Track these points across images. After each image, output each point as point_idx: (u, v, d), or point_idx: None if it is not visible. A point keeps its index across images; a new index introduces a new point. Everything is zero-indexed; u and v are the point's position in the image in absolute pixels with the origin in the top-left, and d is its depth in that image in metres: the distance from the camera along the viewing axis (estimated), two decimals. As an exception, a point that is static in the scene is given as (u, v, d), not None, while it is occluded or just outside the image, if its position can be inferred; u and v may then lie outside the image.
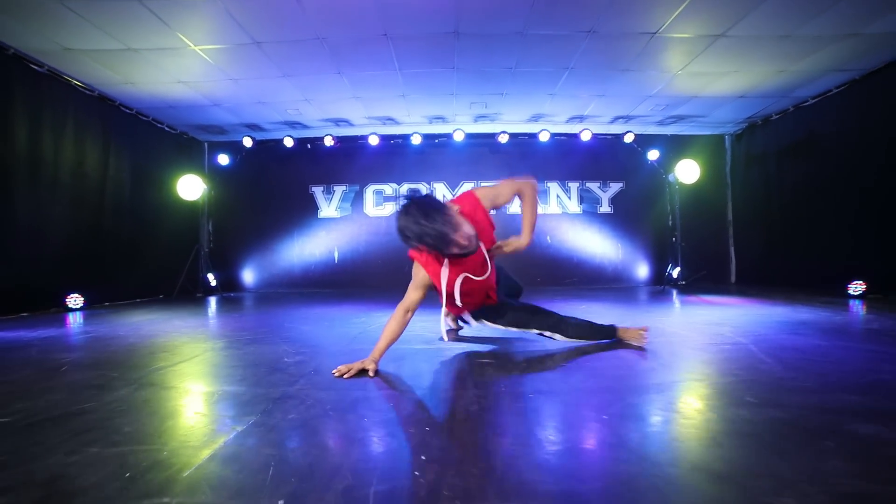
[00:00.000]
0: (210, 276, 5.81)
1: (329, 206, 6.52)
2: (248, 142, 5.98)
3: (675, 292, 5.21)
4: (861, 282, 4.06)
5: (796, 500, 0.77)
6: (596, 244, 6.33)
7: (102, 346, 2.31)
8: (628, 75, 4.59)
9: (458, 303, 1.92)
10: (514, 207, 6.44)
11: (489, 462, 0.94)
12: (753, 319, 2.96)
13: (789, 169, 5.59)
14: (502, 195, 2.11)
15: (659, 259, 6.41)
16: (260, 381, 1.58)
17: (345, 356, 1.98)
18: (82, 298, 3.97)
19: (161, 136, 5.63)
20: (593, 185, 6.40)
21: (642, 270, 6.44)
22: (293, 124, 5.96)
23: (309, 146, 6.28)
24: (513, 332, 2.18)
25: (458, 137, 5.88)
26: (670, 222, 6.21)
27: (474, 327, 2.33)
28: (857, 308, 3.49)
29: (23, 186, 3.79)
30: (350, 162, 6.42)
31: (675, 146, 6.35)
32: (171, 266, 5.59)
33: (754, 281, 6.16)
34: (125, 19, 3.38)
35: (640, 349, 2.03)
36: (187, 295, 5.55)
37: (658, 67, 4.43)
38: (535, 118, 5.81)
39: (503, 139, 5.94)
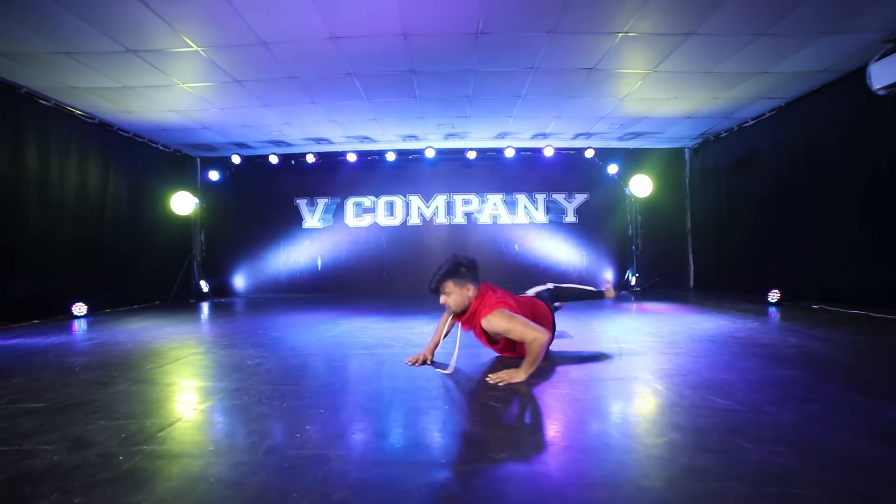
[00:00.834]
0: (203, 283, 6.31)
1: (312, 217, 7.02)
2: (236, 159, 6.49)
3: (633, 298, 5.72)
4: (777, 290, 4.55)
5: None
6: (561, 252, 6.83)
7: (105, 351, 2.81)
8: (578, 101, 5.08)
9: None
10: (485, 218, 6.94)
11: (344, 430, 1.45)
12: (665, 328, 3.46)
13: (735, 183, 6.09)
14: (512, 332, 2.09)
15: (621, 266, 6.91)
16: (223, 378, 2.09)
17: (295, 359, 2.48)
18: (86, 306, 4.47)
19: (156, 155, 6.13)
20: (559, 197, 6.89)
21: (607, 276, 6.94)
22: (278, 143, 6.45)
23: (293, 162, 6.78)
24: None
25: (430, 154, 6.38)
26: (630, 231, 6.70)
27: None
28: (765, 316, 3.99)
29: (33, 207, 4.30)
30: (331, 176, 6.92)
31: (639, 159, 6.83)
32: (167, 274, 6.10)
33: (710, 286, 6.66)
34: (122, 66, 3.88)
35: None
36: (181, 301, 6.06)
37: (604, 94, 4.91)
38: (501, 136, 6.30)
39: (471, 155, 6.44)
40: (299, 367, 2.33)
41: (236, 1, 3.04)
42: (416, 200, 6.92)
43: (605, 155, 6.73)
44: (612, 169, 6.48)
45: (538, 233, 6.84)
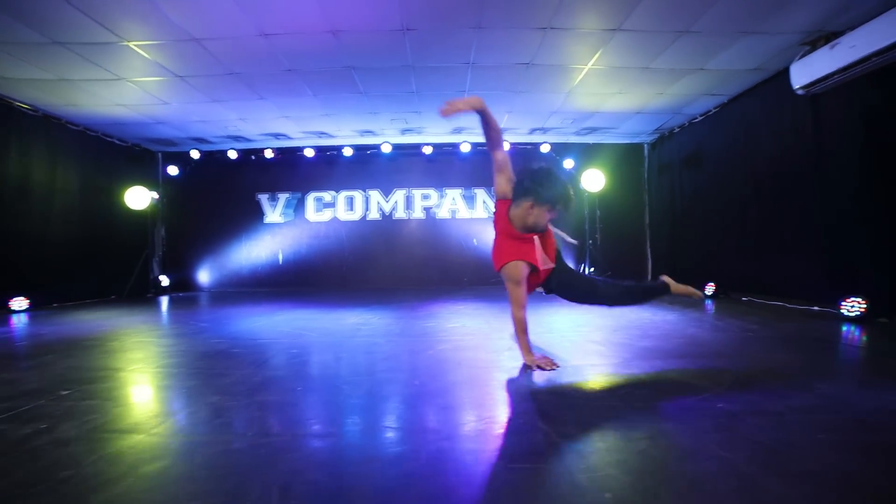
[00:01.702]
0: (163, 278, 6.32)
1: (274, 212, 7.04)
2: (195, 154, 6.49)
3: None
4: (713, 283, 4.66)
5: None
6: (518, 246, 6.90)
7: (29, 340, 2.85)
8: (525, 95, 5.12)
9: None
10: (444, 213, 7.00)
11: (264, 417, 1.51)
12: (581, 319, 3.57)
13: (686, 178, 6.18)
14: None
15: (579, 260, 7.00)
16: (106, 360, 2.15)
17: (205, 354, 2.54)
18: (28, 301, 4.48)
19: (112, 149, 6.10)
20: (517, 192, 6.95)
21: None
22: (237, 138, 6.45)
23: (253, 157, 6.79)
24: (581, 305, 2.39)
25: (386, 149, 6.41)
26: (586, 226, 6.78)
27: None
28: (694, 308, 4.10)
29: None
30: (292, 171, 6.94)
31: (598, 154, 6.89)
32: (124, 269, 6.09)
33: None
34: (52, 58, 3.86)
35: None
36: (138, 296, 6.06)
37: (549, 89, 4.96)
38: (458, 131, 6.34)
39: (427, 150, 6.49)
40: (192, 352, 2.39)
41: (152, -4, 3.05)
42: (375, 195, 6.96)
43: (564, 150, 6.79)
44: (568, 164, 6.55)
45: (496, 227, 6.90)
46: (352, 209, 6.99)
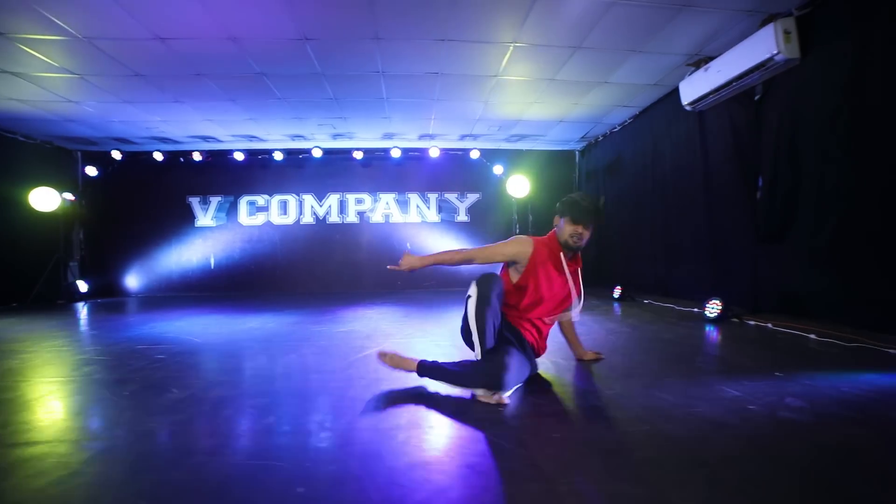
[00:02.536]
0: (80, 283, 6.09)
1: (206, 215, 6.90)
2: (117, 154, 6.30)
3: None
4: (620, 286, 4.91)
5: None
6: (452, 250, 7.02)
7: None
8: (444, 103, 5.24)
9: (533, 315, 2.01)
10: (378, 217, 7.04)
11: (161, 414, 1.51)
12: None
13: (608, 184, 6.46)
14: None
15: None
16: None
17: (78, 363, 2.50)
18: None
19: (15, 147, 5.74)
20: (451, 196, 7.09)
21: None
22: (164, 139, 6.29)
23: (182, 160, 6.64)
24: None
25: (317, 154, 6.42)
26: (516, 230, 6.98)
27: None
28: (595, 311, 4.31)
29: None
30: (225, 175, 6.83)
31: (532, 161, 7.09)
32: (30, 275, 5.80)
33: (594, 284, 7.03)
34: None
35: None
36: (46, 303, 5.78)
37: (465, 98, 5.09)
38: (388, 136, 6.41)
39: (358, 155, 6.53)
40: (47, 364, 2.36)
41: (25, -3, 2.98)
42: (309, 199, 6.94)
43: (498, 156, 6.97)
44: (498, 169, 6.73)
45: (430, 231, 7.01)
46: (285, 213, 6.94)
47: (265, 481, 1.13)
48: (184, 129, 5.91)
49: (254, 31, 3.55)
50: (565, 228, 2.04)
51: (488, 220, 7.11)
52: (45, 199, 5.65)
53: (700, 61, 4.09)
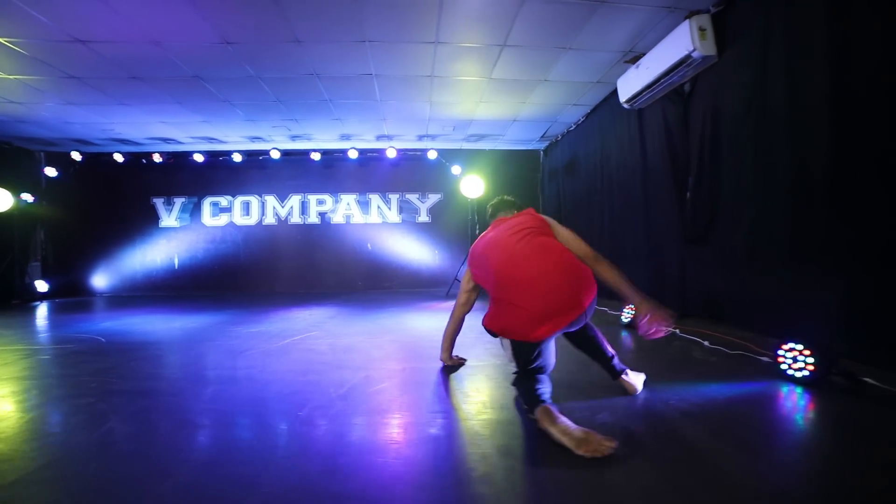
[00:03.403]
0: (39, 283, 6.17)
1: (170, 216, 6.96)
2: (76, 156, 6.37)
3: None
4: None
5: None
6: (414, 251, 7.00)
7: None
8: (388, 104, 5.21)
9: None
10: (339, 218, 7.04)
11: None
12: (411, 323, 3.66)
13: (566, 184, 6.39)
14: (569, 241, 1.93)
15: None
16: None
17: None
18: None
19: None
20: (412, 197, 7.06)
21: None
22: (124, 141, 6.34)
23: (144, 161, 6.69)
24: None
25: (275, 155, 6.44)
26: (477, 231, 6.93)
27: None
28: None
29: None
30: (188, 176, 6.87)
31: (496, 161, 7.05)
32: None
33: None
34: None
35: None
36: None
37: (408, 98, 5.03)
38: (346, 137, 6.39)
39: (315, 157, 6.54)
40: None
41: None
42: (271, 200, 6.96)
43: (459, 156, 6.92)
44: (456, 170, 6.69)
45: (391, 232, 6.99)
46: (248, 214, 6.97)
47: None
48: (141, 131, 5.95)
49: (173, 36, 3.55)
50: None
51: (449, 220, 7.07)
52: (-2, 200, 5.74)
53: (636, 58, 4.02)
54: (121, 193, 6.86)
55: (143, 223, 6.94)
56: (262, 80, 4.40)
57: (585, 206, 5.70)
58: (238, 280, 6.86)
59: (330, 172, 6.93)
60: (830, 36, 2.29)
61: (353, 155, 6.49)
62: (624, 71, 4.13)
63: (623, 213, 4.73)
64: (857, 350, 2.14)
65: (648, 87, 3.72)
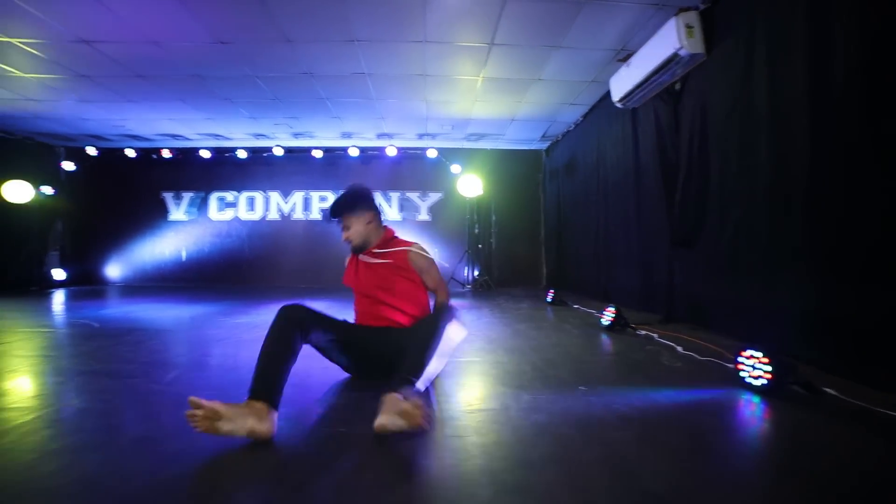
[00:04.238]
0: (56, 272, 6.48)
1: (178, 210, 7.19)
2: (92, 151, 6.64)
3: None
4: (552, 290, 4.80)
5: None
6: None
7: None
8: (385, 102, 5.25)
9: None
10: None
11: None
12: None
13: (566, 184, 6.31)
14: (432, 273, 2.05)
15: (474, 263, 7.13)
16: None
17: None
18: None
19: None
20: (413, 195, 7.10)
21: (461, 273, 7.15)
22: (135, 137, 6.59)
23: (154, 157, 6.94)
24: None
25: (278, 152, 6.58)
26: (477, 230, 6.92)
27: None
28: (516, 313, 4.24)
29: None
30: (196, 171, 7.09)
31: (498, 160, 7.03)
32: (4, 263, 6.12)
33: (555, 285, 6.89)
34: None
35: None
36: (19, 290, 6.02)
37: (404, 97, 5.06)
38: (347, 135, 6.47)
39: (317, 154, 6.65)
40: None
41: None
42: (275, 196, 7.12)
43: (459, 155, 6.91)
44: (455, 169, 6.69)
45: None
46: (253, 209, 7.15)
47: None
48: (151, 128, 6.17)
49: (171, 36, 3.67)
50: None
51: (449, 219, 7.08)
52: (17, 192, 6.03)
53: (628, 56, 3.94)
54: (132, 187, 7.13)
55: (153, 216, 7.20)
56: (258, 78, 4.51)
57: (582, 207, 5.63)
58: (242, 273, 7.03)
59: (332, 170, 7.04)
60: (810, 34, 2.21)
61: (354, 153, 6.58)
62: (617, 69, 4.06)
63: (616, 213, 4.65)
64: (825, 358, 2.06)
65: (639, 85, 3.64)
